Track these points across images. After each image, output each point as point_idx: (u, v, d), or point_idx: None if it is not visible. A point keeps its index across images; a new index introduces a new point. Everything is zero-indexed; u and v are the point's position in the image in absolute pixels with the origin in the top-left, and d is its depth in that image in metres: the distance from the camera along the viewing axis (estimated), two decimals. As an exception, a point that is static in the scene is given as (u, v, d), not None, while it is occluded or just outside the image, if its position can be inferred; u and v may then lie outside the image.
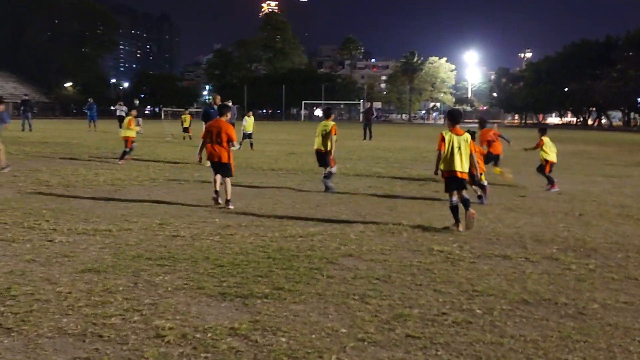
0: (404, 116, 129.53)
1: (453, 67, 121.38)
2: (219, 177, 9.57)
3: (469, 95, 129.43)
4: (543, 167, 12.53)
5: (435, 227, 8.15)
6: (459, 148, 7.82)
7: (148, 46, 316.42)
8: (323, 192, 11.24)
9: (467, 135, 8.01)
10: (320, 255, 6.40)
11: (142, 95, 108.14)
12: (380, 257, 6.46)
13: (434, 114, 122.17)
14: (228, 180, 9.50)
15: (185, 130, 27.37)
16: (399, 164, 17.53)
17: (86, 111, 36.34)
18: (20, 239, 6.82)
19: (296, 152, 21.18)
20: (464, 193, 8.00)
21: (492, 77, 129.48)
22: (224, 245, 6.76)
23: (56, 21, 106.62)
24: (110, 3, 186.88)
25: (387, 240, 7.27)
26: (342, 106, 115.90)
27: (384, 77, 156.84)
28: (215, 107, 14.50)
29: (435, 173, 8.10)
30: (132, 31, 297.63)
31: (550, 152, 12.53)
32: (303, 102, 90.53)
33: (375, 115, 38.06)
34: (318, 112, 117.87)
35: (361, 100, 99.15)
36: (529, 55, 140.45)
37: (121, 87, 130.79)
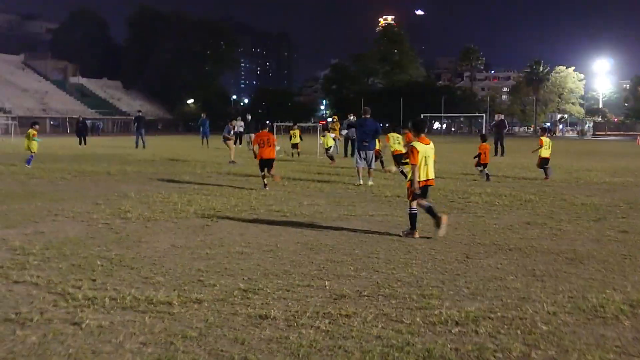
0: (527, 129, 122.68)
1: (582, 76, 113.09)
2: (266, 170, 13.40)
3: (600, 106, 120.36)
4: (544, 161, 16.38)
5: (666, 304, 5.15)
6: (428, 157, 8.01)
7: (267, 63, 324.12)
8: (470, 235, 8.41)
9: (432, 144, 8.21)
10: (501, 376, 3.67)
11: (260, 111, 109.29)
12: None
13: (561, 126, 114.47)
14: (273, 171, 13.57)
15: (294, 146, 25.28)
16: (550, 188, 14.30)
17: (200, 127, 35.44)
18: (34, 319, 4.60)
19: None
20: (425, 201, 8.18)
21: (626, 86, 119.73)
22: (334, 342, 4.18)
23: (180, 41, 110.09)
24: (231, 23, 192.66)
25: (602, 336, 4.39)
26: (462, 119, 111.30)
27: (505, 89, 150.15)
28: (367, 117, 15.01)
29: (418, 190, 8.01)
30: (253, 49, 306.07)
31: (545, 149, 16.33)
32: (422, 115, 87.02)
33: (507, 128, 34.43)
34: (437, 126, 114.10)
35: (483, 114, 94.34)
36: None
37: (241, 104, 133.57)
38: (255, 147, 13.55)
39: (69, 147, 32.49)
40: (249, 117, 31.21)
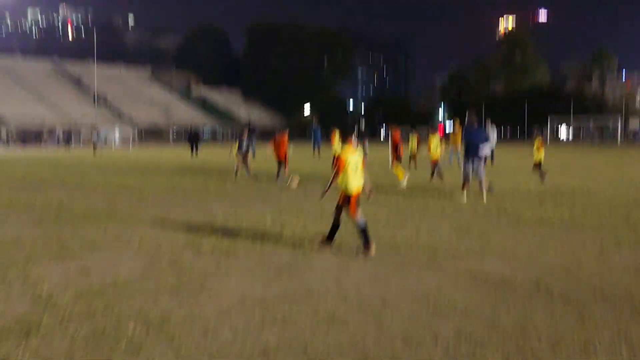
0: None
1: None
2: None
3: None
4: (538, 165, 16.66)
5: None
6: (356, 165, 7.48)
7: (384, 71, 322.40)
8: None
9: (359, 152, 7.64)
10: None
11: (376, 119, 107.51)
12: None
13: None
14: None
15: (411, 156, 22.46)
16: None
17: (311, 135, 33.93)
18: None
19: (563, 190, 15.48)
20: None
21: None
22: None
23: (297, 51, 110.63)
24: (348, 32, 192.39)
25: None
26: (591, 125, 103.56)
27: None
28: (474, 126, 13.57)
29: (322, 195, 7.92)
30: (370, 57, 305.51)
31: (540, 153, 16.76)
32: (548, 119, 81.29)
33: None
34: (563, 133, 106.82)
35: (617, 120, 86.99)
36: None
37: (356, 112, 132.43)
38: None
39: (178, 158, 32.03)
40: (363, 124, 29.24)
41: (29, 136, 68.41)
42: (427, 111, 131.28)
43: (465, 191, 13.03)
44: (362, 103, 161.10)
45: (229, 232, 8.71)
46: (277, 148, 17.20)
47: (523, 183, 16.61)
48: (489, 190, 13.26)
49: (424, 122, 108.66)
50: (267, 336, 4.41)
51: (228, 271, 6.41)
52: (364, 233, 7.28)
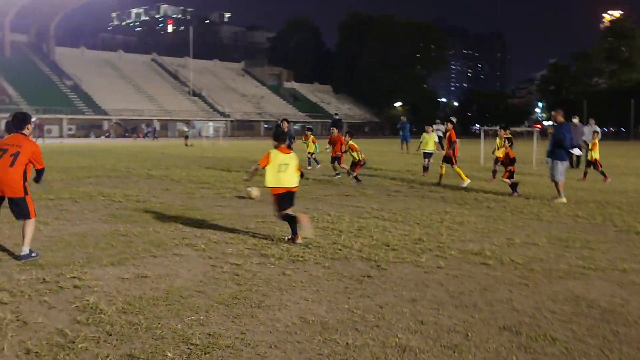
0: None
1: None
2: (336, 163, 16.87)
3: None
4: (596, 164, 16.27)
5: None
6: (286, 165, 7.90)
7: (479, 65, 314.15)
8: None
9: (293, 154, 8.10)
10: None
11: (469, 114, 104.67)
12: None
13: None
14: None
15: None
16: None
17: (400, 131, 32.92)
18: None
19: (678, 193, 13.89)
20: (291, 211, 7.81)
21: None
22: None
23: (389, 44, 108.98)
24: (444, 25, 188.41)
25: None
26: None
27: None
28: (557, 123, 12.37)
29: (246, 179, 9.16)
30: (464, 51, 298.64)
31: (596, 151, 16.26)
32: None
33: None
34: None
35: None
36: None
37: (448, 107, 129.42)
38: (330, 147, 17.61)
39: (267, 151, 31.88)
40: (454, 120, 28.01)
41: (128, 128, 71.06)
42: (524, 107, 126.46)
43: (563, 192, 11.99)
44: (451, 97, 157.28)
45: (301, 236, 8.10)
46: (334, 145, 17.18)
47: (630, 186, 15.09)
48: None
49: (520, 118, 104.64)
50: (323, 373, 3.73)
51: (291, 283, 5.78)
52: (287, 218, 7.75)
